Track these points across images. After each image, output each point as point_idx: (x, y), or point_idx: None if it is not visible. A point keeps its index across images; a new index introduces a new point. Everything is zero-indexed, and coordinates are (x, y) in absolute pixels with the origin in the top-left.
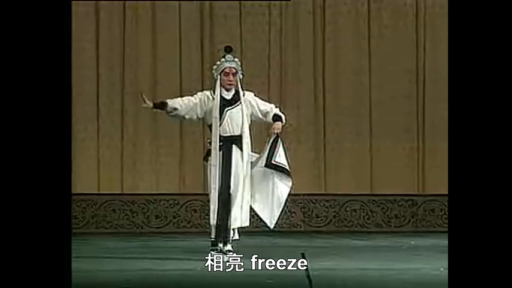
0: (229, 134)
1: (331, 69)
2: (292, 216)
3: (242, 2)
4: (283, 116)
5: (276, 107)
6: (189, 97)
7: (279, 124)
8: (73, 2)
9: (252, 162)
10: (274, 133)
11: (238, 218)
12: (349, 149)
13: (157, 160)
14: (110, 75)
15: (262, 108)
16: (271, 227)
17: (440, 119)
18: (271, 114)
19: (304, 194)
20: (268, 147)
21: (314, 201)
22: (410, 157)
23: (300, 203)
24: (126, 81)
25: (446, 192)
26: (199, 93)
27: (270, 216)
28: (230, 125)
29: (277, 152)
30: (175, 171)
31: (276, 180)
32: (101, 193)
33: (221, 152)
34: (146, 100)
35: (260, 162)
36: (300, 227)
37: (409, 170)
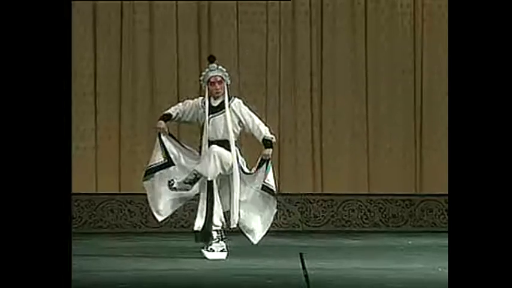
0: (214, 139)
1: (328, 69)
2: (290, 216)
3: (239, 1)
4: (273, 140)
5: (266, 125)
6: (188, 100)
7: (269, 152)
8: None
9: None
10: (263, 160)
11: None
12: (346, 149)
13: None
14: (108, 74)
15: (246, 117)
16: (256, 242)
17: (438, 119)
18: (261, 138)
19: (301, 194)
20: (261, 170)
21: (312, 201)
22: (407, 157)
23: (298, 202)
24: (123, 80)
25: (444, 192)
26: (195, 99)
27: (259, 235)
28: (213, 131)
29: (268, 174)
30: None
31: (265, 203)
32: (99, 193)
33: None
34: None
35: (256, 182)
36: (298, 227)
37: (406, 170)
